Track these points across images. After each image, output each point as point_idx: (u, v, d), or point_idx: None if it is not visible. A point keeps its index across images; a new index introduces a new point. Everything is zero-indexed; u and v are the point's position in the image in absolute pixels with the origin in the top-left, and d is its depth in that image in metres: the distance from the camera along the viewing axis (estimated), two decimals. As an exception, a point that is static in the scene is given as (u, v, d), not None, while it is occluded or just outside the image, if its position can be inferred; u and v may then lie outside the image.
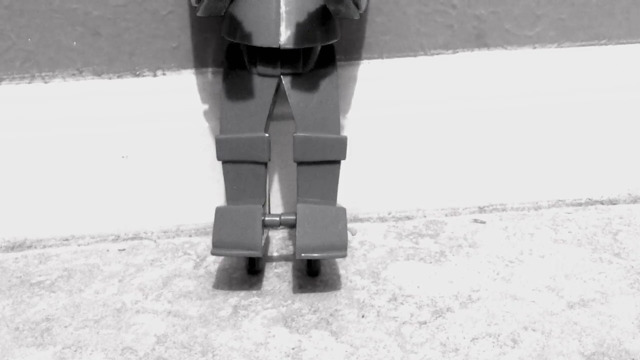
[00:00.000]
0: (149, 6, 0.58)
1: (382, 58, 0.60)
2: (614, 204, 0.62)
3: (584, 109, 0.61)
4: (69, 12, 0.57)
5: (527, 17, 0.60)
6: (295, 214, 0.51)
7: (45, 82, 0.59)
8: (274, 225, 0.52)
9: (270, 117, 0.54)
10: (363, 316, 0.50)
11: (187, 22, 0.58)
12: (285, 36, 0.52)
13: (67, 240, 0.60)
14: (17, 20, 0.57)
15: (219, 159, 0.53)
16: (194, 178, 0.60)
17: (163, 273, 0.55)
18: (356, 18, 0.51)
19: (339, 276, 0.54)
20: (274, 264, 0.56)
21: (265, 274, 0.55)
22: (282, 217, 0.52)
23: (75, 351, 0.47)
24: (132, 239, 0.60)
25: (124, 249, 0.58)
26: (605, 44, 0.61)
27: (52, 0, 0.57)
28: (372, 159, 0.60)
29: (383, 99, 0.60)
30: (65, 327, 0.50)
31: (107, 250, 0.58)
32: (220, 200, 0.59)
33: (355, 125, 0.59)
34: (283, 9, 0.52)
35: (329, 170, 0.53)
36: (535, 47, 0.61)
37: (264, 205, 0.52)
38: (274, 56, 0.53)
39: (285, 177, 0.60)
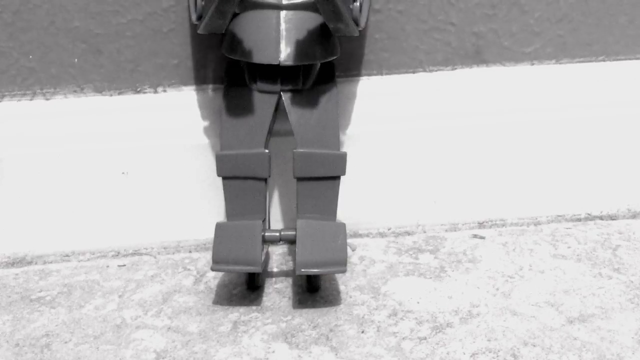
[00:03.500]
0: (150, 24, 0.58)
1: (382, 74, 0.61)
2: (613, 219, 0.62)
3: (583, 125, 0.61)
4: (70, 30, 0.58)
5: (525, 34, 0.60)
6: (295, 230, 0.51)
7: (47, 99, 0.59)
8: (274, 241, 0.53)
9: (270, 133, 0.54)
10: (363, 332, 0.50)
11: (187, 39, 0.59)
12: (285, 53, 0.52)
13: (67, 256, 0.60)
14: (19, 37, 0.58)
15: (219, 175, 0.53)
16: (194, 194, 0.60)
17: (163, 289, 0.55)
18: (356, 35, 0.52)
19: (338, 292, 0.54)
20: (274, 279, 0.56)
21: (265, 289, 0.55)
22: (282, 233, 0.52)
23: (75, 367, 0.48)
24: (132, 254, 0.60)
25: (124, 265, 0.58)
26: (603, 60, 0.62)
27: (54, 18, 0.57)
28: (371, 175, 0.60)
29: (382, 115, 0.60)
30: (65, 343, 0.50)
31: (107, 266, 0.58)
32: (220, 216, 0.60)
33: (354, 141, 0.59)
34: (283, 26, 0.52)
35: (329, 186, 0.53)
36: (533, 64, 0.61)
37: (264, 221, 0.53)
38: (274, 73, 0.53)
39: (285, 193, 0.60)
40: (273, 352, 0.48)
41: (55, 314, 0.53)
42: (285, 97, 0.54)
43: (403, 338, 0.49)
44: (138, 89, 0.60)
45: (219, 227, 0.52)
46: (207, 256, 0.59)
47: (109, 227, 0.60)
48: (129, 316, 0.52)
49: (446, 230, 0.61)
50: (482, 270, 0.56)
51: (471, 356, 0.47)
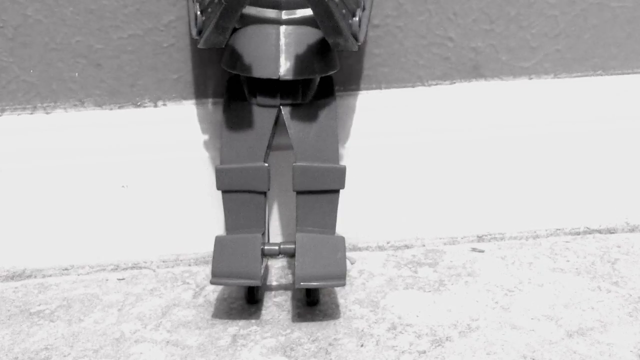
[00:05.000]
0: (151, 39, 0.58)
1: (381, 89, 0.61)
2: (612, 232, 0.62)
3: (581, 139, 0.61)
4: (71, 45, 0.58)
5: (523, 48, 0.61)
6: (295, 243, 0.52)
7: (47, 113, 0.60)
8: (273, 254, 0.53)
9: (270, 147, 0.54)
10: (362, 345, 0.49)
11: (188, 54, 0.59)
12: (284, 67, 0.52)
13: (66, 269, 0.60)
14: (20, 52, 0.58)
15: (218, 188, 0.54)
16: (193, 207, 0.60)
17: (162, 302, 0.55)
18: (355, 50, 0.52)
19: (337, 305, 0.54)
20: (273, 293, 0.56)
21: (265, 303, 0.55)
22: (282, 246, 0.52)
23: (73, 381, 0.47)
24: (132, 268, 0.60)
25: (123, 279, 0.58)
26: (601, 75, 0.62)
27: (54, 33, 0.58)
28: (371, 188, 0.60)
29: (381, 129, 0.60)
30: (64, 356, 0.49)
31: (107, 280, 0.58)
32: (219, 229, 0.60)
33: (354, 154, 0.60)
34: (283, 41, 0.53)
35: (328, 199, 0.53)
36: (531, 78, 0.62)
37: (263, 235, 0.53)
38: (273, 87, 0.54)
39: (284, 207, 0.60)
40: (272, 365, 0.48)
41: (54, 328, 0.52)
42: (285, 111, 0.54)
43: (402, 352, 0.49)
44: (138, 103, 0.60)
45: (218, 240, 0.52)
46: (207, 270, 0.59)
47: (109, 241, 0.60)
48: (128, 330, 0.52)
49: (445, 244, 0.61)
50: (481, 284, 0.56)
51: (470, 370, 0.47)
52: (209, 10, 0.51)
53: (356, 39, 0.52)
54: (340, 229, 0.57)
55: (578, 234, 0.62)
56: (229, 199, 0.53)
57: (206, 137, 0.60)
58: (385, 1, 0.59)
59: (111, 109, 0.60)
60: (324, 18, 0.48)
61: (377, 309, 0.53)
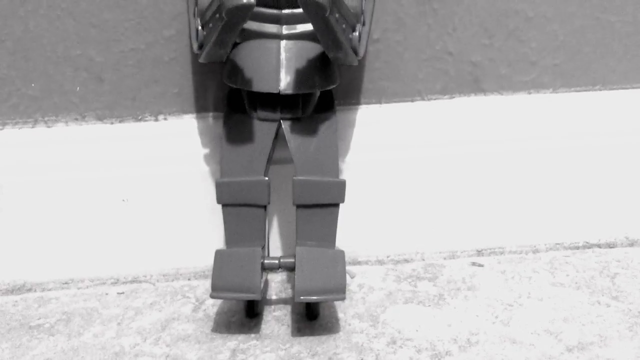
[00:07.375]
0: (152, 52, 0.59)
1: (380, 103, 0.61)
2: (612, 247, 0.62)
3: (580, 154, 0.61)
4: (72, 58, 0.58)
5: (523, 63, 0.61)
6: (294, 257, 0.52)
7: (49, 127, 0.60)
8: (273, 268, 0.53)
9: (270, 161, 0.54)
10: (362, 360, 0.49)
11: (188, 68, 0.59)
12: (285, 82, 0.53)
13: (66, 283, 0.60)
14: (22, 65, 0.58)
15: (219, 202, 0.54)
16: (193, 221, 0.60)
17: (162, 316, 0.55)
18: (355, 64, 0.52)
19: (337, 319, 0.54)
20: (272, 307, 0.56)
21: (264, 317, 0.55)
22: (281, 260, 0.53)
23: (73, 395, 0.47)
24: (131, 282, 0.60)
25: (122, 292, 0.58)
26: (600, 89, 0.62)
27: (56, 46, 0.58)
28: (370, 203, 0.61)
29: (381, 143, 0.60)
30: (64, 370, 0.49)
31: (106, 294, 0.58)
32: (219, 243, 0.60)
33: (353, 168, 0.60)
34: (283, 55, 0.53)
35: (328, 213, 0.53)
36: (530, 93, 0.62)
37: (263, 248, 0.53)
38: (273, 101, 0.54)
39: (284, 220, 0.60)
40: (272, 380, 0.48)
41: (54, 342, 0.52)
42: (285, 125, 0.54)
43: (402, 366, 0.49)
44: (139, 117, 0.60)
45: (218, 254, 0.52)
46: (206, 284, 0.59)
47: (109, 255, 0.60)
48: (128, 344, 0.52)
49: (445, 258, 0.61)
50: (481, 298, 0.56)
51: (470, 385, 0.47)
52: (210, 25, 0.51)
53: (356, 53, 0.52)
54: (340, 242, 0.57)
55: (577, 248, 0.62)
56: (229, 213, 0.53)
57: (206, 150, 0.60)
58: (385, 15, 0.59)
59: (112, 123, 0.60)
60: (324, 32, 0.49)
61: (376, 323, 0.53)
